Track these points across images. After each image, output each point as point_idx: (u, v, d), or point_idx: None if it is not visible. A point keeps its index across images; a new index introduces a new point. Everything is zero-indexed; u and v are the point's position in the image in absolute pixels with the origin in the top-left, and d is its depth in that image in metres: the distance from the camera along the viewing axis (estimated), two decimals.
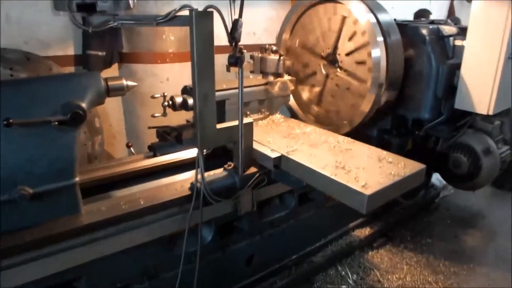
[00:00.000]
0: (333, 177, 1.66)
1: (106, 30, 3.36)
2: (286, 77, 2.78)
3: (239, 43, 1.71)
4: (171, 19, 1.61)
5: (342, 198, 1.63)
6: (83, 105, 1.62)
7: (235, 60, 1.62)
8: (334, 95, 2.90)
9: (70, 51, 3.45)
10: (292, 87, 2.82)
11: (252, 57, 2.77)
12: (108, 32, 3.43)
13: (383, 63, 2.48)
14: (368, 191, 1.53)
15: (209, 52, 1.64)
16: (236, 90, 2.43)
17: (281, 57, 2.65)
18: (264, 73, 2.73)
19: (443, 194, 4.20)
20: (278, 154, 1.96)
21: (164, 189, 1.92)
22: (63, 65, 3.38)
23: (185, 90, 2.25)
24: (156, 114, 2.28)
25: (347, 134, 2.88)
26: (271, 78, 2.70)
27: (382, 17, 2.57)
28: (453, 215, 3.83)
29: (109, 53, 3.47)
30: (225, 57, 4.08)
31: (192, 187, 1.89)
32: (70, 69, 3.49)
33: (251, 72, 2.82)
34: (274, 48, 2.58)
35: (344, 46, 2.70)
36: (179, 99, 2.18)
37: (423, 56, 2.76)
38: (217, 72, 2.07)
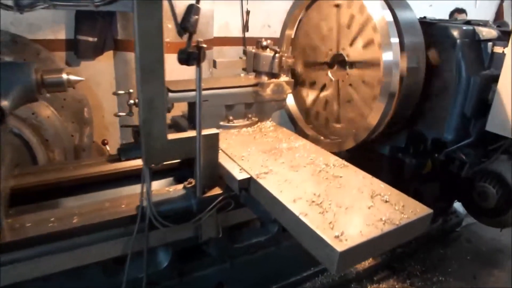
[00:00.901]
0: (301, 217, 1.27)
1: (99, 14, 3.21)
2: (283, 78, 2.39)
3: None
4: (112, 2, 1.28)
5: (309, 247, 1.24)
6: (4, 103, 1.35)
7: (187, 57, 1.26)
8: (339, 102, 2.47)
9: (62, 35, 3.23)
10: (289, 91, 2.42)
11: (244, 52, 2.40)
12: (102, 17, 3.17)
13: (397, 69, 2.03)
14: (341, 246, 1.13)
15: (157, 47, 1.30)
16: (216, 91, 2.12)
17: (277, 54, 2.26)
18: (257, 72, 2.36)
19: (467, 222, 3.64)
20: (247, 176, 1.59)
21: (107, 205, 1.62)
22: (53, 50, 3.16)
23: None
24: (120, 113, 2.00)
25: (352, 150, 2.46)
26: (264, 79, 2.33)
27: (402, 14, 2.11)
28: (474, 250, 3.30)
29: (101, 39, 3.22)
30: (235, 50, 3.72)
31: (139, 206, 1.57)
32: (61, 54, 3.27)
33: (244, 69, 2.46)
34: (265, 43, 2.18)
35: (354, 46, 2.28)
36: None
37: (452, 63, 2.27)
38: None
